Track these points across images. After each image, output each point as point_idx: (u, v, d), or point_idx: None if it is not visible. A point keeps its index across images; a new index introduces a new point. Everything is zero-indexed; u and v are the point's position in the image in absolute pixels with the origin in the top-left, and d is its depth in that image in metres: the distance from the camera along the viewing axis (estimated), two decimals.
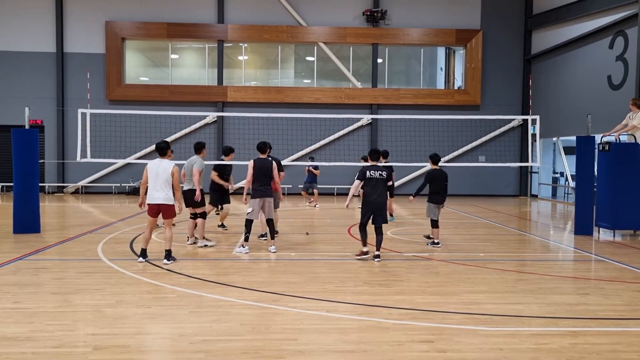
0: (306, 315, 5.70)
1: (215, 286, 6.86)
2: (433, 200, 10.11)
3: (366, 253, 8.72)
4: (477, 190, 23.31)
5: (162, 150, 8.36)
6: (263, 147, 9.40)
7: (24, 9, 22.30)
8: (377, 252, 8.63)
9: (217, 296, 6.36)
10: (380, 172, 8.60)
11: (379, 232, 8.63)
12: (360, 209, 8.78)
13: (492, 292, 6.73)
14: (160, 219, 8.70)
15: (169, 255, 8.21)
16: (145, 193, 8.30)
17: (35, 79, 22.35)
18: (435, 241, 10.02)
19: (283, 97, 22.78)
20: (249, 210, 9.14)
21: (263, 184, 9.15)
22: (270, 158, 9.45)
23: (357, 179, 8.82)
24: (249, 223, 9.17)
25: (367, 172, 8.61)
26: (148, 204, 8.23)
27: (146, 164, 8.33)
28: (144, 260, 8.22)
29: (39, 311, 5.70)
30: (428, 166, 10.51)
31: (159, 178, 8.12)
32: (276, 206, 10.11)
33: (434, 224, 10.04)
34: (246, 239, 9.19)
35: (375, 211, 8.55)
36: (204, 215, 9.62)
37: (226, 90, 22.76)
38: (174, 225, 11.94)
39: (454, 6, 23.29)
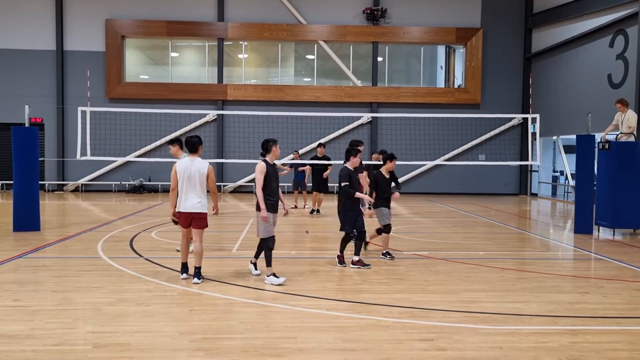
0: (306, 313, 5.70)
1: (215, 284, 6.85)
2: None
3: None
4: (477, 189, 23.30)
5: (194, 145, 6.88)
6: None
7: (24, 6, 22.27)
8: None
9: (217, 294, 6.36)
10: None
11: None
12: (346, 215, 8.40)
13: (491, 291, 6.73)
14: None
15: (199, 273, 6.88)
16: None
17: (35, 77, 22.32)
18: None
19: (283, 96, 22.77)
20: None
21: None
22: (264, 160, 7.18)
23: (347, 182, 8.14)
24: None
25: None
26: (180, 212, 6.86)
27: (174, 163, 6.98)
28: (187, 276, 7.03)
29: (38, 309, 5.71)
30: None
31: (192, 181, 6.75)
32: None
33: None
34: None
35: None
36: None
37: (226, 89, 22.74)
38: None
39: (454, 4, 23.26)
